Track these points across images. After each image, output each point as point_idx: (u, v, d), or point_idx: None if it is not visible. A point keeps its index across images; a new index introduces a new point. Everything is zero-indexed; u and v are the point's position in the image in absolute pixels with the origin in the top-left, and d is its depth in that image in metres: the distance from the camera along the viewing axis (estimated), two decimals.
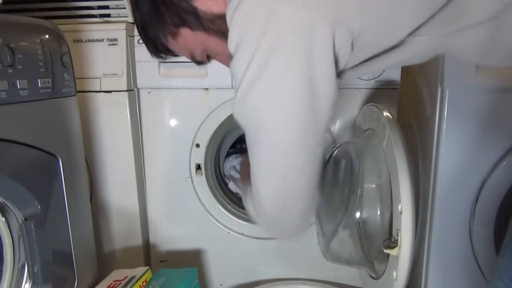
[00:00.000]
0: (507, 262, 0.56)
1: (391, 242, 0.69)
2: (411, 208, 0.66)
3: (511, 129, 0.86)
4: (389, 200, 0.73)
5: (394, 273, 0.69)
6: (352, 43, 0.47)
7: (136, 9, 0.60)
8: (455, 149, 0.88)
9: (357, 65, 0.53)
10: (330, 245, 0.88)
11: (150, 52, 0.65)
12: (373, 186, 0.79)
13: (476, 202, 0.89)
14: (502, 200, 0.88)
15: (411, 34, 0.49)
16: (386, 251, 0.69)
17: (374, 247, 0.77)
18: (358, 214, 0.79)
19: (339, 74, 0.50)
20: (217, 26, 0.56)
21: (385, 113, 0.77)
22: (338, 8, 0.45)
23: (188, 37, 0.59)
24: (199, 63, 0.65)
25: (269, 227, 0.65)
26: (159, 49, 0.63)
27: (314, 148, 0.53)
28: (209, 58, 0.65)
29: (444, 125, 0.88)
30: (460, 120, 0.88)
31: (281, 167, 0.53)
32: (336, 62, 0.47)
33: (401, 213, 0.66)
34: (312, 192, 0.57)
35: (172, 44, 0.61)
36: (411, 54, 0.52)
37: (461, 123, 0.88)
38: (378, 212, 0.76)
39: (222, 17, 0.52)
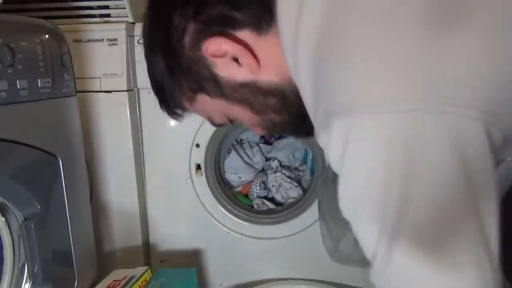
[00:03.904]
0: None
1: None
2: None
3: None
4: None
5: None
6: (504, 140, 0.37)
7: (149, 66, 0.54)
8: None
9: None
10: (339, 246, 0.87)
11: (164, 111, 0.58)
12: None
13: None
14: (502, 200, 0.88)
15: None
16: None
17: None
18: None
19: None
20: (240, 94, 0.49)
21: None
22: (488, 103, 0.34)
23: (206, 103, 0.52)
24: (219, 125, 0.58)
25: None
26: (173, 110, 0.57)
27: None
28: (232, 121, 0.56)
29: None
30: None
31: None
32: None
33: None
34: None
35: (188, 107, 0.55)
36: None
37: None
38: None
39: (245, 86, 0.47)
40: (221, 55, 0.46)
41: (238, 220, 1.11)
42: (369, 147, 0.33)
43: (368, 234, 0.36)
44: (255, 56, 0.46)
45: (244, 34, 0.45)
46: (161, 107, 0.57)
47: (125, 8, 0.97)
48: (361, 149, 0.34)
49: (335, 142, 0.35)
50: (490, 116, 0.34)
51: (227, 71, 0.48)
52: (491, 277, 0.35)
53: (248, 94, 0.48)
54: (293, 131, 0.57)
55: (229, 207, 1.11)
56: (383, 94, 0.33)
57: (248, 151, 1.32)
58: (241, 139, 1.37)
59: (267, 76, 0.47)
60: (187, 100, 0.54)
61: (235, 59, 0.46)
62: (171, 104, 0.56)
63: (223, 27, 0.45)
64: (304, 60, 0.40)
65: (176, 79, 0.52)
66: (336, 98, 0.36)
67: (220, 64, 0.48)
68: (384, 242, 0.35)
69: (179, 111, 0.57)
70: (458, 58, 0.33)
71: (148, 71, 0.54)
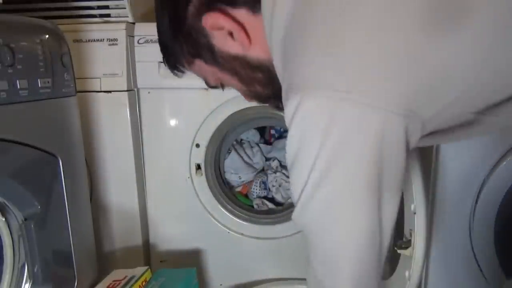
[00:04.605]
0: None
1: (404, 242, 0.69)
2: (424, 208, 0.66)
3: (511, 129, 0.86)
4: None
5: (407, 273, 0.69)
6: (422, 130, 0.42)
7: (157, 25, 0.60)
8: (455, 149, 0.88)
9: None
10: None
11: (166, 67, 0.65)
12: None
13: (476, 202, 0.89)
14: (502, 200, 0.88)
15: (481, 113, 0.44)
16: (399, 251, 0.69)
17: None
18: None
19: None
20: (231, 65, 0.56)
21: None
22: (410, 101, 0.40)
23: (202, 67, 0.59)
24: (213, 87, 0.66)
25: None
26: (175, 68, 0.63)
27: (376, 270, 0.47)
28: (223, 86, 0.65)
29: None
30: None
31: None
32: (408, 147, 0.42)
33: (414, 213, 0.66)
34: None
35: (187, 68, 0.62)
36: (479, 131, 0.48)
37: None
38: None
39: (236, 59, 0.54)
40: (218, 28, 0.52)
41: (238, 220, 1.11)
42: (308, 120, 0.41)
43: (299, 179, 0.45)
44: (247, 34, 0.52)
45: (241, 13, 0.51)
46: (164, 64, 0.64)
47: (125, 8, 0.97)
48: (302, 120, 0.41)
49: (288, 111, 0.42)
50: (411, 112, 0.40)
51: (222, 43, 0.54)
52: (378, 246, 0.45)
53: (238, 66, 0.54)
54: (275, 104, 0.62)
55: (229, 207, 1.11)
56: (326, 80, 0.40)
57: (248, 151, 1.32)
58: (241, 139, 1.37)
59: (256, 52, 0.53)
60: (186, 62, 0.60)
61: (231, 34, 0.52)
62: (172, 62, 0.62)
63: (224, 4, 0.51)
64: (276, 42, 0.46)
65: (178, 42, 0.58)
66: (294, 78, 0.43)
67: (217, 36, 0.54)
68: (309, 185, 0.43)
69: (181, 69, 0.63)
70: (385, 58, 0.39)
71: (157, 29, 0.61)
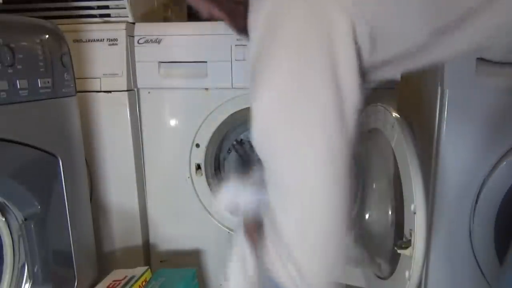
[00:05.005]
0: None
1: (404, 242, 0.69)
2: (424, 208, 0.66)
3: (511, 129, 0.86)
4: (397, 200, 0.73)
5: (407, 273, 0.69)
6: (371, 38, 0.43)
7: None
8: (455, 149, 0.88)
9: (380, 66, 0.49)
10: None
11: None
12: (382, 186, 0.79)
13: (476, 202, 0.89)
14: (502, 200, 0.88)
15: (436, 34, 0.44)
16: (399, 251, 0.69)
17: (382, 247, 0.77)
18: (367, 215, 0.79)
19: (363, 75, 0.45)
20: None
21: (394, 113, 0.77)
22: (356, 1, 0.41)
23: None
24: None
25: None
26: None
27: (343, 171, 0.44)
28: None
29: (444, 125, 0.88)
30: (460, 120, 0.88)
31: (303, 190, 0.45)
32: (359, 58, 0.43)
33: (414, 213, 0.66)
34: (343, 222, 0.46)
35: None
36: (441, 56, 0.48)
37: (461, 123, 0.88)
38: (389, 212, 0.76)
39: None
40: None
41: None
42: (261, 14, 0.45)
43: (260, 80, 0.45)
44: None
45: None
46: None
47: (125, 8, 0.97)
48: (258, 16, 0.46)
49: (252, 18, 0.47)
50: (358, 12, 0.41)
51: None
52: (338, 150, 0.43)
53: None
54: None
55: None
56: None
57: (248, 151, 1.32)
58: (241, 139, 1.37)
59: None
60: None
61: None
62: None
63: None
64: None
65: None
66: None
67: None
68: (265, 81, 0.44)
69: None
70: None
71: None
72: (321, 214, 0.45)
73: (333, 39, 0.41)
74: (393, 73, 0.52)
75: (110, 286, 0.86)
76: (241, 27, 0.61)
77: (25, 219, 0.73)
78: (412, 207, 0.67)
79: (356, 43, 0.42)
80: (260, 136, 0.46)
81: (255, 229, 0.57)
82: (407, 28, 0.44)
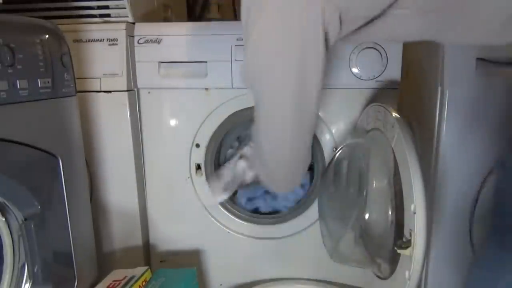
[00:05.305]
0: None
1: (404, 242, 0.69)
2: (424, 208, 0.66)
3: (511, 129, 0.86)
4: (397, 200, 0.73)
5: (407, 273, 0.69)
6: (340, 18, 0.51)
7: None
8: (455, 149, 0.88)
9: (347, 35, 0.57)
10: (339, 246, 0.88)
11: None
12: (382, 186, 0.79)
13: (476, 202, 0.89)
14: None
15: (391, 5, 0.51)
16: (399, 251, 0.69)
17: (382, 247, 0.78)
18: (367, 215, 0.79)
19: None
20: None
21: (394, 113, 0.77)
22: None
23: None
24: None
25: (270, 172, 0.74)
26: None
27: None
28: None
29: (444, 125, 0.88)
30: (460, 120, 0.88)
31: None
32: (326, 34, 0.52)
33: (414, 213, 0.66)
34: (308, 134, 0.65)
35: None
36: (398, 29, 0.56)
37: (461, 123, 0.88)
38: (389, 212, 0.76)
39: None
40: None
41: (238, 220, 1.10)
42: None
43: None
44: None
45: None
46: None
47: (125, 8, 0.97)
48: None
49: None
50: None
51: None
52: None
53: None
54: None
55: (229, 207, 1.11)
56: None
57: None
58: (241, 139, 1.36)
59: None
60: None
61: None
62: None
63: None
64: None
65: None
66: None
67: None
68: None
69: None
70: None
71: None
72: (288, 124, 0.61)
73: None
74: (358, 39, 0.59)
75: (110, 286, 0.86)
76: None
77: (25, 219, 0.73)
78: (412, 207, 0.67)
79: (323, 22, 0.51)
80: (251, 65, 0.58)
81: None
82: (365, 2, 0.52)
